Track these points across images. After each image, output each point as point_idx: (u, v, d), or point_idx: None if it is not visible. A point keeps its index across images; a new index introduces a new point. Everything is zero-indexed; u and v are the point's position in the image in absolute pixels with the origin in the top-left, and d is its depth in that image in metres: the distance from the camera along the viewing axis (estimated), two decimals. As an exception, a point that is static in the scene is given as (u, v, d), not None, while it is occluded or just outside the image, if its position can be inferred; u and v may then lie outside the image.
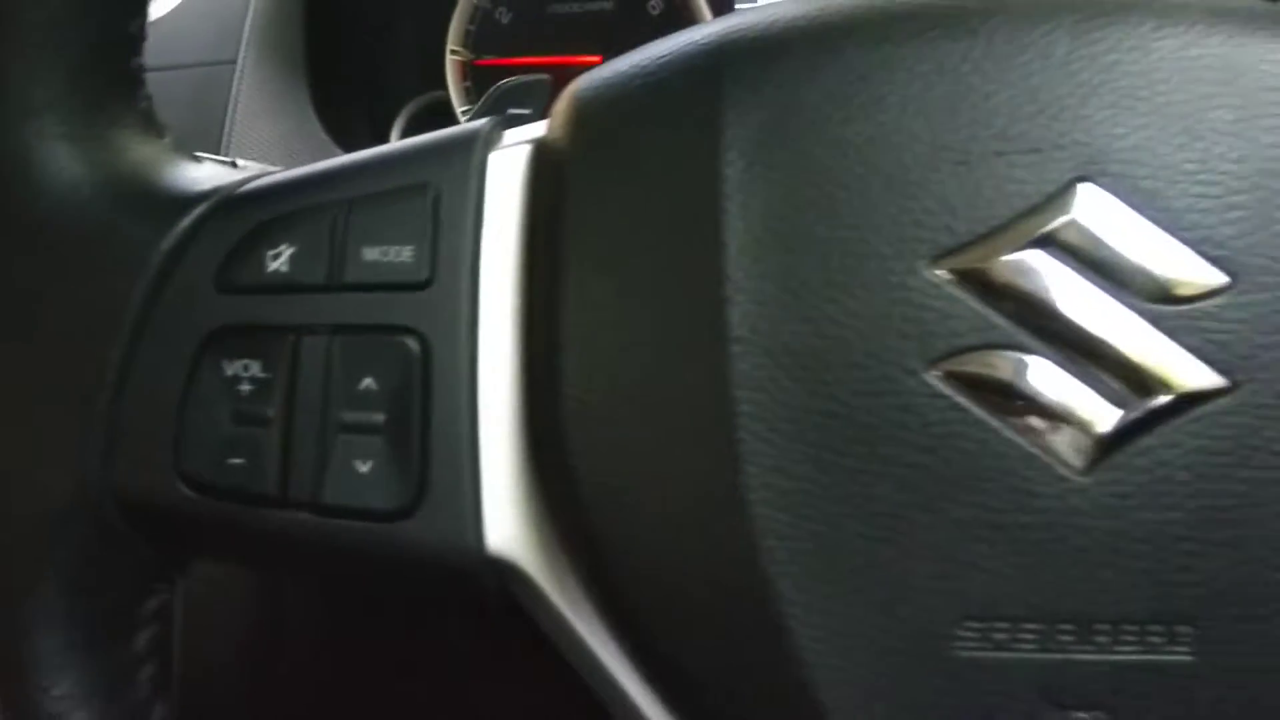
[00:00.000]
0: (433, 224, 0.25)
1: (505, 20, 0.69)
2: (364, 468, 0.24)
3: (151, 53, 0.68)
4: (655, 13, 0.66)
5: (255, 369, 0.24)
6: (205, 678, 0.49)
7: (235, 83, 0.54)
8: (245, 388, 0.24)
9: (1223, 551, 0.23)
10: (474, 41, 0.69)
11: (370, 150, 0.27)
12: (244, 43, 0.55)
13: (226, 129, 0.54)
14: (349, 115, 0.61)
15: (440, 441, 0.25)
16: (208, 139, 0.56)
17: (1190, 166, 0.24)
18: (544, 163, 0.26)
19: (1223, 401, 0.23)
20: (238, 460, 0.24)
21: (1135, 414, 0.23)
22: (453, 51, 0.68)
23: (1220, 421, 0.23)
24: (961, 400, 0.23)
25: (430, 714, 0.50)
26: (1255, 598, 0.23)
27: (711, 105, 0.24)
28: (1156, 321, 0.23)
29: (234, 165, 0.37)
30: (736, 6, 0.67)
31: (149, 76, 0.66)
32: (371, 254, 0.25)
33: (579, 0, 0.68)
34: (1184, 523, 0.23)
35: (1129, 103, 0.24)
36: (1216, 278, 0.23)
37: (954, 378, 0.23)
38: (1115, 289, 0.23)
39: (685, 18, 0.65)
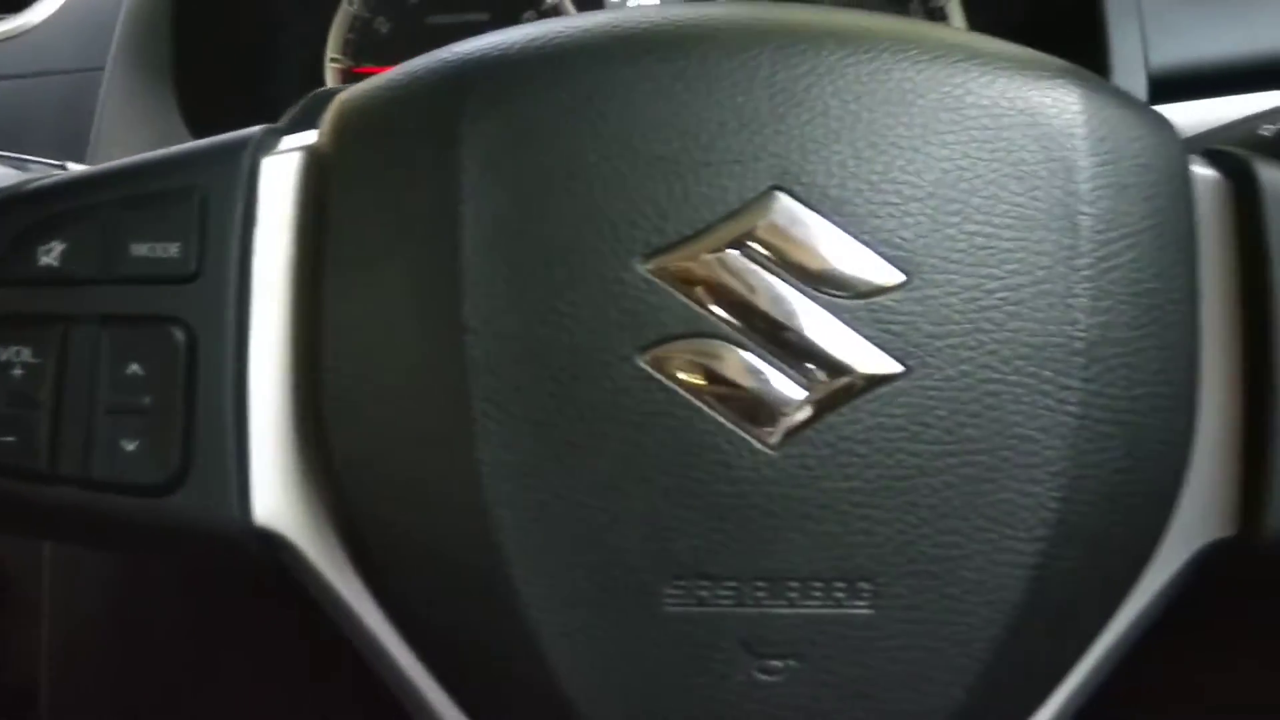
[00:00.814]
0: (200, 222, 0.27)
1: (384, 30, 0.71)
2: (130, 446, 0.26)
3: (28, 58, 0.70)
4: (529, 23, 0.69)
5: (26, 354, 0.27)
6: (73, 652, 0.51)
7: (103, 90, 0.56)
8: (17, 372, 0.27)
9: (897, 516, 0.26)
10: (354, 50, 0.71)
11: (148, 154, 0.29)
12: (113, 50, 0.56)
13: (94, 136, 0.55)
14: (224, 124, 0.63)
15: (205, 422, 0.27)
16: (78, 145, 0.58)
17: (874, 177, 0.27)
18: (312, 167, 0.29)
19: (898, 384, 0.26)
20: (10, 438, 0.26)
21: (820, 395, 0.26)
22: (332, 60, 0.71)
23: (896, 402, 0.26)
24: (668, 383, 0.26)
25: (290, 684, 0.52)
26: (926, 556, 0.26)
27: (453, 118, 0.27)
28: (840, 314, 0.26)
29: (62, 168, 0.39)
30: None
31: (23, 82, 0.67)
32: (140, 249, 0.27)
33: (456, 11, 0.71)
34: (863, 491, 0.26)
35: (821, 121, 0.27)
36: (894, 275, 0.26)
37: (662, 363, 0.26)
38: (804, 285, 0.26)
39: (554, 30, 0.67)
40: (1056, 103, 0.28)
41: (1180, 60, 0.61)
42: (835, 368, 0.26)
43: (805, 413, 0.26)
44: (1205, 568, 0.30)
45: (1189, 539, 0.29)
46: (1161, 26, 0.62)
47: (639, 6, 0.30)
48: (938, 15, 0.69)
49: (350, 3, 0.70)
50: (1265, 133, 0.40)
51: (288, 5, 0.70)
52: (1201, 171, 0.30)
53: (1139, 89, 0.61)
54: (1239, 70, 0.65)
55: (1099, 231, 0.27)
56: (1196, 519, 0.29)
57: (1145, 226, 0.28)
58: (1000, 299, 0.27)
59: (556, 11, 0.68)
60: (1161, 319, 0.27)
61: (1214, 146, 0.31)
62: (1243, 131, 0.41)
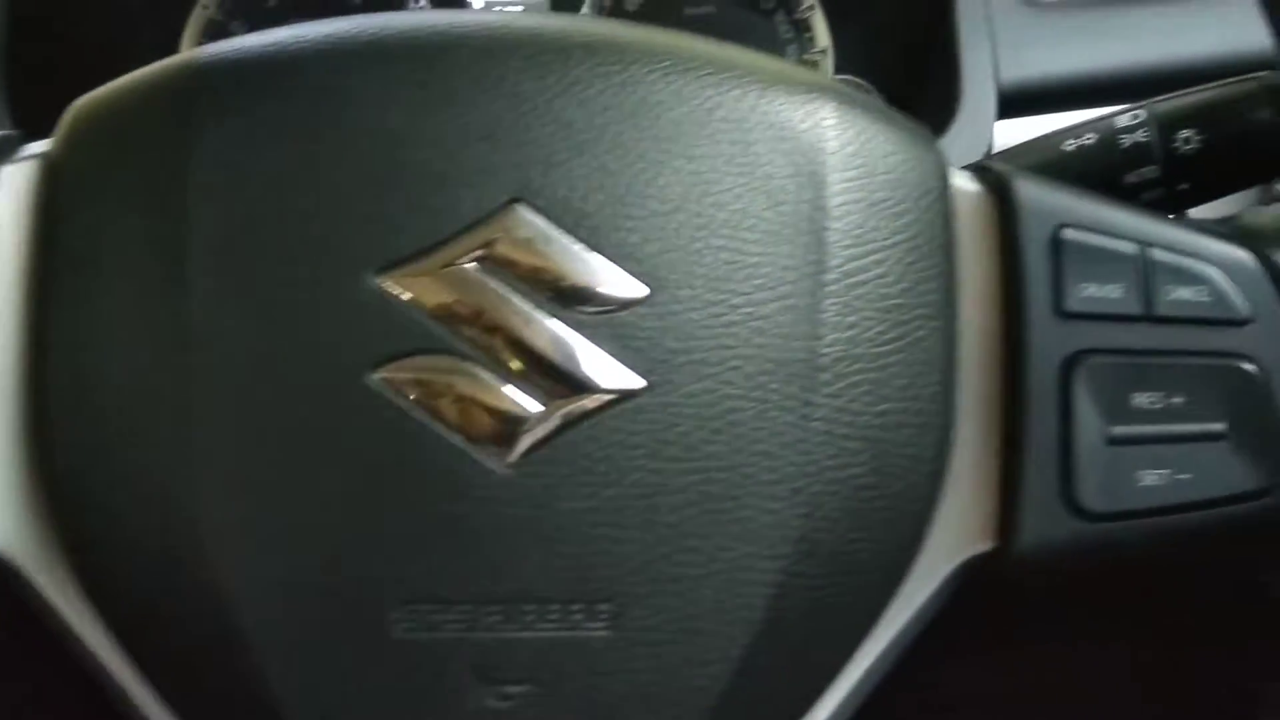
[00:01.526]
0: None
1: (241, 34, 0.69)
2: None
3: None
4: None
5: None
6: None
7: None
8: None
9: (637, 535, 0.26)
10: (210, 54, 0.69)
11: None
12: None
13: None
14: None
15: None
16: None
17: (618, 191, 0.26)
18: (45, 174, 0.27)
19: (639, 400, 0.26)
20: None
21: (558, 413, 0.26)
22: (187, 63, 0.69)
23: (637, 419, 0.26)
24: (399, 402, 0.25)
25: None
26: (666, 577, 0.26)
27: (184, 122, 0.26)
28: (580, 329, 0.26)
29: None
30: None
31: None
32: None
33: (315, 15, 0.69)
34: (602, 510, 0.26)
35: (565, 133, 0.26)
36: (637, 289, 0.26)
37: (393, 381, 0.25)
38: (543, 299, 0.26)
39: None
40: (807, 117, 0.27)
41: (1030, 76, 0.62)
42: (574, 384, 0.26)
43: (542, 431, 0.26)
44: (971, 577, 0.30)
45: (949, 553, 0.29)
46: (1012, 43, 0.62)
47: (415, 12, 0.29)
48: (802, 27, 0.69)
49: (205, 6, 0.68)
50: (1068, 147, 0.41)
51: (139, 8, 0.68)
52: (964, 187, 0.30)
53: (989, 104, 0.62)
54: (1087, 86, 0.67)
55: (846, 246, 0.27)
56: (955, 533, 0.29)
57: (896, 242, 0.27)
58: (745, 314, 0.26)
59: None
60: (912, 334, 0.27)
61: (980, 162, 0.31)
62: (1046, 146, 0.42)
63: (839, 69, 0.70)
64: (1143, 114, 0.40)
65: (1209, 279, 0.28)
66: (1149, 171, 0.40)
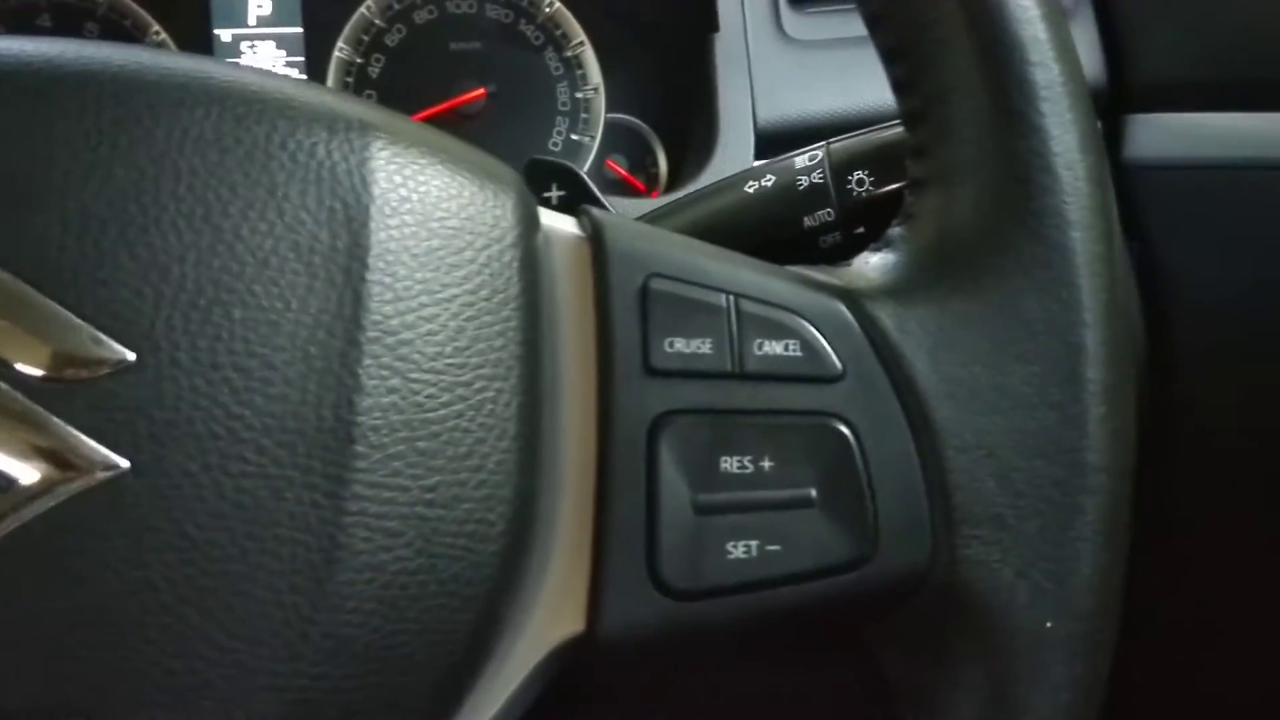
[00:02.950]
0: None
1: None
2: None
3: None
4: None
5: None
6: None
7: None
8: None
9: (121, 638, 0.22)
10: None
11: None
12: None
13: None
14: None
15: None
16: None
17: (104, 243, 0.23)
18: None
19: (122, 483, 0.22)
20: None
21: (17, 500, 0.22)
22: None
23: (119, 503, 0.22)
24: None
25: None
26: (158, 687, 0.22)
27: None
28: (49, 400, 0.22)
29: None
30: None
31: None
32: None
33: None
34: (79, 609, 0.22)
35: (28, 187, 0.23)
36: (120, 354, 0.23)
37: None
38: (3, 368, 0.22)
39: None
40: (348, 156, 0.25)
41: (788, 115, 0.61)
42: (40, 465, 0.22)
43: (11, 521, 0.22)
44: (568, 664, 0.27)
45: (539, 639, 0.26)
46: (771, 82, 0.61)
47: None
48: (573, 64, 0.67)
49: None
50: (749, 189, 0.39)
51: None
52: (562, 233, 0.27)
53: (746, 143, 0.60)
54: (854, 123, 0.66)
55: (388, 301, 0.24)
56: (547, 616, 0.26)
57: (453, 295, 0.25)
58: (260, 379, 0.23)
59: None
60: (474, 396, 0.25)
61: (584, 206, 0.28)
62: (730, 187, 0.40)
63: (613, 107, 0.68)
64: (819, 154, 0.39)
65: (800, 333, 0.26)
66: (825, 215, 0.38)
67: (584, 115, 0.67)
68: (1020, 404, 0.25)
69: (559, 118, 0.67)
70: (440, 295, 0.25)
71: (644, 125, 0.68)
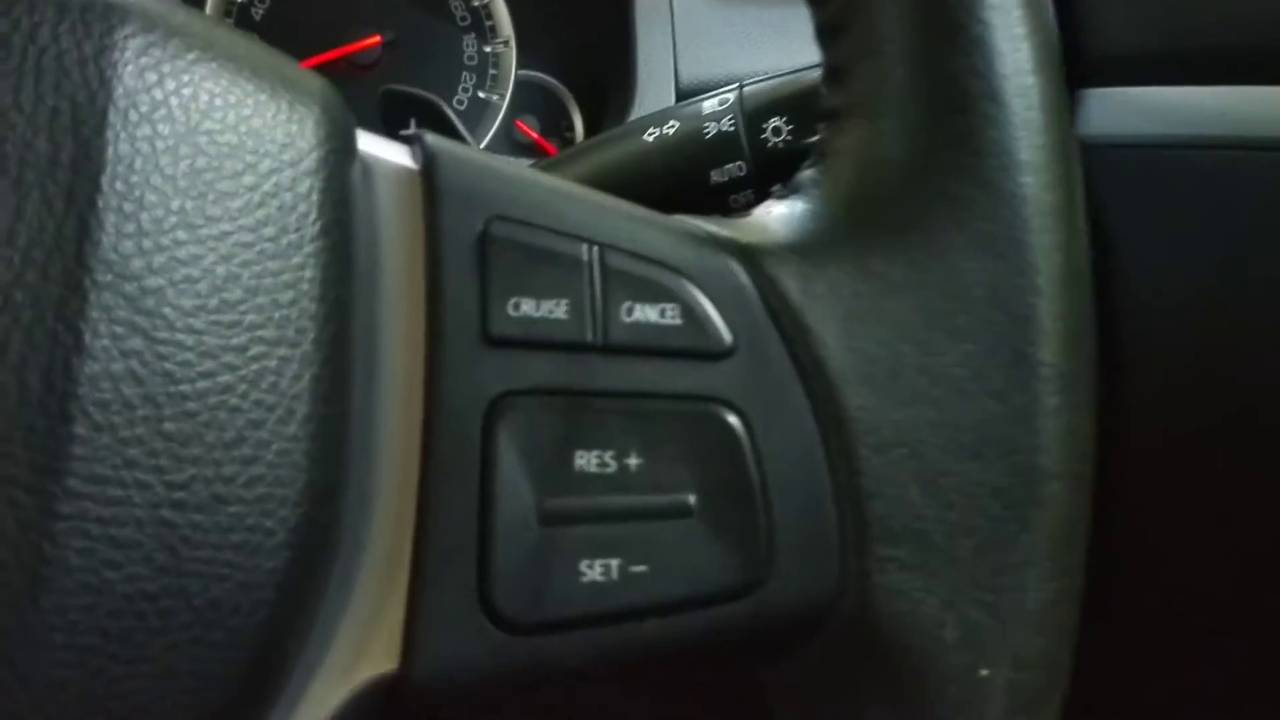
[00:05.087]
0: None
1: None
2: None
3: None
4: None
5: None
6: None
7: None
8: None
9: None
10: None
11: None
12: None
13: None
14: None
15: None
16: None
17: None
18: None
19: None
20: None
21: None
22: None
23: None
24: None
25: None
26: None
27: None
28: None
29: None
30: None
31: None
32: None
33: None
34: None
35: None
36: None
37: None
38: None
39: None
40: (79, 46, 0.18)
41: (714, 75, 0.56)
42: None
43: None
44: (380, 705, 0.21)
45: (338, 677, 0.20)
46: (695, 40, 0.56)
47: None
48: (482, 14, 0.61)
49: None
50: (649, 138, 0.33)
51: None
52: (388, 165, 0.22)
53: (666, 102, 0.55)
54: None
55: (127, 236, 0.18)
56: (348, 650, 0.20)
57: (227, 232, 0.19)
58: None
59: None
60: (245, 368, 0.19)
61: (417, 131, 0.22)
62: (627, 134, 0.34)
63: (525, 64, 0.62)
64: (730, 98, 0.33)
65: (681, 296, 0.21)
66: (735, 169, 0.33)
67: (493, 71, 0.61)
68: (954, 391, 0.20)
69: (465, 73, 0.61)
70: (204, 231, 0.19)
71: (558, 84, 0.62)
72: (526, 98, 0.62)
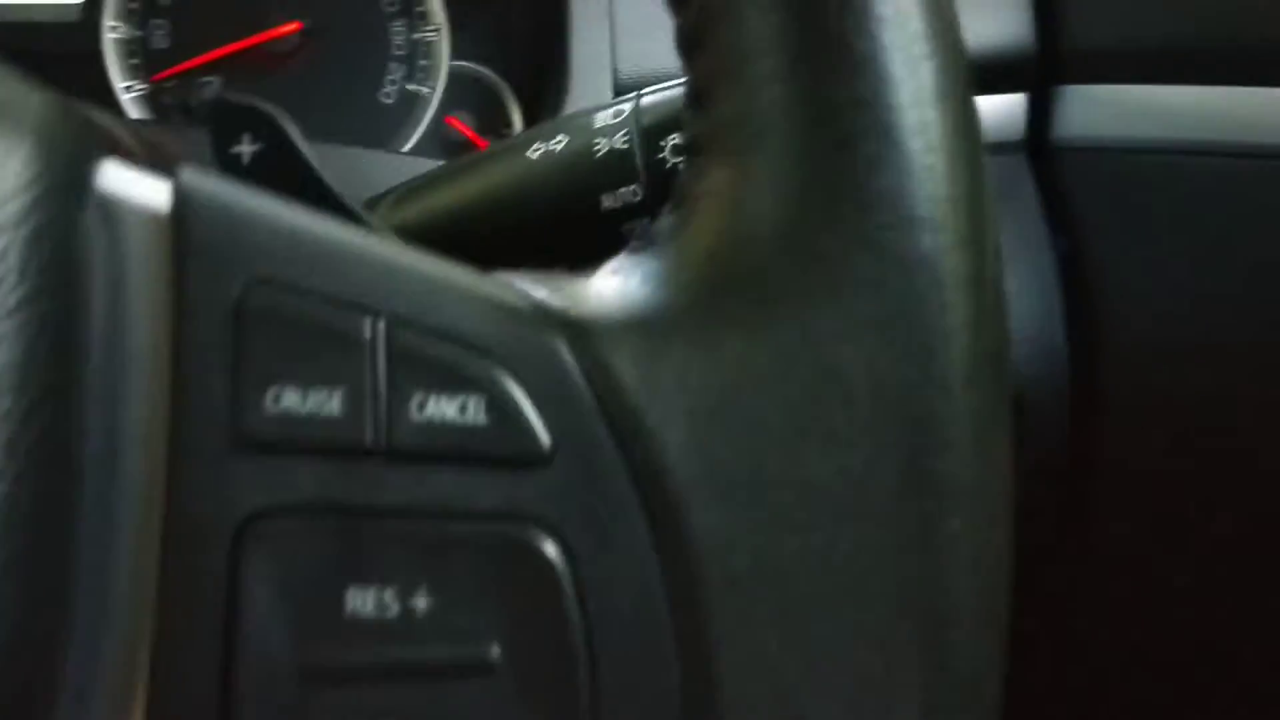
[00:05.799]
0: None
1: None
2: None
3: None
4: None
5: None
6: None
7: None
8: None
9: None
10: None
11: None
12: None
13: None
14: None
15: None
16: None
17: None
18: None
19: None
20: None
21: None
22: None
23: None
24: None
25: None
26: None
27: None
28: None
29: None
30: None
31: None
32: None
33: None
34: None
35: None
36: None
37: None
38: None
39: None
40: None
41: (658, 70, 0.51)
42: None
43: None
44: None
45: None
46: (638, 35, 0.52)
47: None
48: (417, 15, 0.56)
49: None
50: (533, 154, 0.29)
51: None
52: (141, 206, 0.17)
53: (603, 98, 0.50)
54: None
55: None
56: None
57: None
58: None
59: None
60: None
61: (181, 165, 0.18)
62: (512, 149, 0.30)
63: (458, 54, 0.57)
64: (626, 109, 0.29)
65: (488, 386, 0.16)
66: (629, 193, 0.28)
67: (423, 61, 0.57)
68: (828, 512, 0.16)
69: (392, 63, 0.56)
70: None
71: (495, 76, 0.58)
72: (460, 91, 0.57)
